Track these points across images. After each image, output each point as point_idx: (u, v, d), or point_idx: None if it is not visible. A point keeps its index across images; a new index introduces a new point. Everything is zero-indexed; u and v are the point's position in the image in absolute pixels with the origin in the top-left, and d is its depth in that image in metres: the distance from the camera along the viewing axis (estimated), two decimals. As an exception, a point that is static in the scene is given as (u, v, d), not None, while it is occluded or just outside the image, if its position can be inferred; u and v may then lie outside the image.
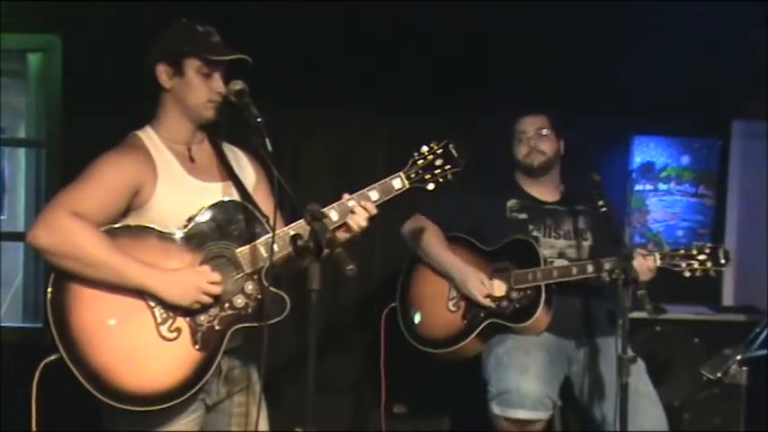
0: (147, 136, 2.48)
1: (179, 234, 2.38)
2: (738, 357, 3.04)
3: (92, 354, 2.29)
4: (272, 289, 2.36)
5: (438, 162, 2.57)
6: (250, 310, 2.40)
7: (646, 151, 4.16)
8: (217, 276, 2.35)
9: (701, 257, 2.98)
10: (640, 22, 3.84)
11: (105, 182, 2.36)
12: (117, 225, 2.35)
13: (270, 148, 2.32)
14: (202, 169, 2.49)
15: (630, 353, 2.71)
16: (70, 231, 2.26)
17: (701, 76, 3.90)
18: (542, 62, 3.85)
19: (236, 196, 2.48)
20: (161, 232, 2.37)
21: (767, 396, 3.52)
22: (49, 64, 3.78)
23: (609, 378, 3.03)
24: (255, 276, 2.40)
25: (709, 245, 3.02)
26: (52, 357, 2.32)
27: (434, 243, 3.28)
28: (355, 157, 3.96)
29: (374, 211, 2.46)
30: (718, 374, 3.06)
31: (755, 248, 4.15)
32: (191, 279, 2.32)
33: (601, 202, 3.03)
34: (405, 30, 3.81)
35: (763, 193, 4.11)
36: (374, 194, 2.49)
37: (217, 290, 2.34)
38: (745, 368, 3.04)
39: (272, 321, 2.37)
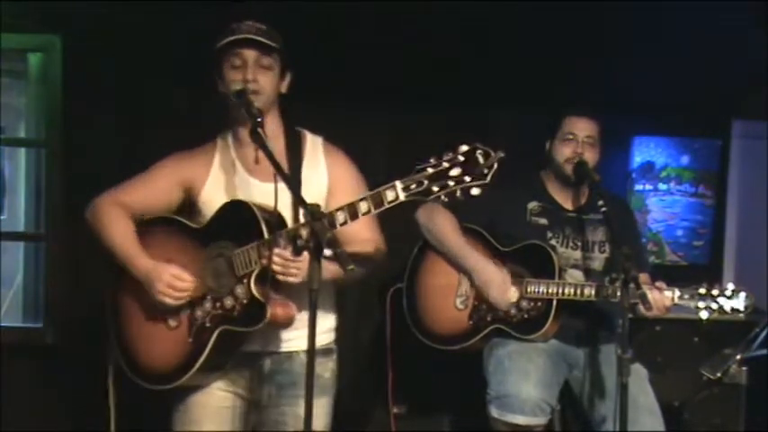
0: (223, 138, 2.62)
1: (198, 229, 2.50)
2: (738, 357, 3.04)
3: (127, 335, 2.58)
4: (255, 295, 2.36)
5: (454, 172, 2.15)
6: (236, 314, 2.40)
7: (646, 151, 4.16)
8: (181, 283, 2.44)
9: (722, 300, 2.81)
10: (640, 21, 3.84)
11: (153, 176, 2.61)
12: (157, 216, 2.58)
13: (270, 147, 2.33)
14: (267, 169, 2.43)
15: (631, 354, 2.66)
16: (103, 216, 2.57)
17: (700, 76, 3.89)
18: (542, 62, 3.85)
19: (284, 198, 2.41)
20: (186, 226, 2.53)
21: (767, 396, 3.52)
22: (49, 64, 3.77)
23: (609, 382, 3.01)
24: (245, 280, 2.38)
25: (731, 286, 2.83)
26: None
27: (451, 235, 3.19)
28: (355, 157, 3.95)
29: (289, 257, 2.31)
30: (718, 374, 3.06)
31: (755, 248, 4.15)
32: (155, 276, 2.45)
33: (600, 203, 3.02)
34: (405, 29, 3.80)
35: (763, 193, 4.11)
36: (363, 206, 2.25)
37: (176, 294, 2.44)
38: (745, 368, 3.04)
39: (248, 329, 2.38)
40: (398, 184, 2.19)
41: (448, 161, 2.15)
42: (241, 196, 2.49)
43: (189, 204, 2.61)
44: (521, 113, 3.89)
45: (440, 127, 3.71)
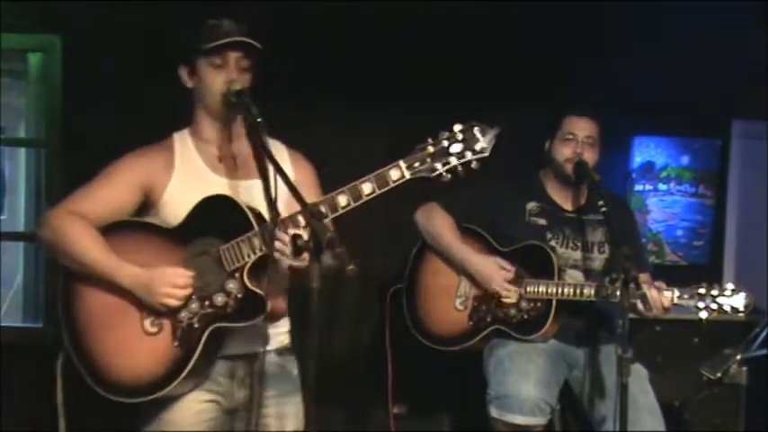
0: (181, 137, 2.55)
1: (172, 230, 2.41)
2: (738, 357, 3.03)
3: (89, 343, 2.43)
4: (251, 288, 2.34)
5: (455, 149, 2.24)
6: (229, 310, 2.36)
7: (646, 151, 4.16)
8: (183, 279, 2.34)
9: (721, 300, 2.83)
10: (640, 21, 3.85)
11: (112, 180, 2.47)
12: (117, 221, 2.43)
13: (270, 148, 2.32)
14: (233, 167, 2.48)
15: (631, 354, 2.65)
16: (62, 229, 2.40)
17: (701, 76, 3.89)
18: (542, 62, 3.85)
19: (253, 195, 2.41)
20: (158, 228, 2.42)
21: (767, 396, 3.52)
22: (49, 64, 3.77)
23: (609, 382, 3.01)
24: (237, 274, 2.36)
25: (731, 286, 2.85)
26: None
27: (448, 235, 3.19)
28: (355, 157, 3.95)
29: (286, 240, 2.19)
30: (718, 374, 3.05)
31: (755, 248, 4.15)
32: (156, 280, 2.34)
33: (600, 203, 3.02)
34: (406, 29, 3.80)
35: (763, 193, 4.11)
36: (367, 187, 2.29)
37: (181, 293, 2.34)
38: (745, 368, 3.04)
39: (249, 323, 2.35)
40: (402, 163, 2.27)
41: (446, 139, 2.25)
42: (208, 195, 2.42)
43: (145, 206, 2.49)
44: (521, 113, 3.88)
45: (440, 127, 3.68)
